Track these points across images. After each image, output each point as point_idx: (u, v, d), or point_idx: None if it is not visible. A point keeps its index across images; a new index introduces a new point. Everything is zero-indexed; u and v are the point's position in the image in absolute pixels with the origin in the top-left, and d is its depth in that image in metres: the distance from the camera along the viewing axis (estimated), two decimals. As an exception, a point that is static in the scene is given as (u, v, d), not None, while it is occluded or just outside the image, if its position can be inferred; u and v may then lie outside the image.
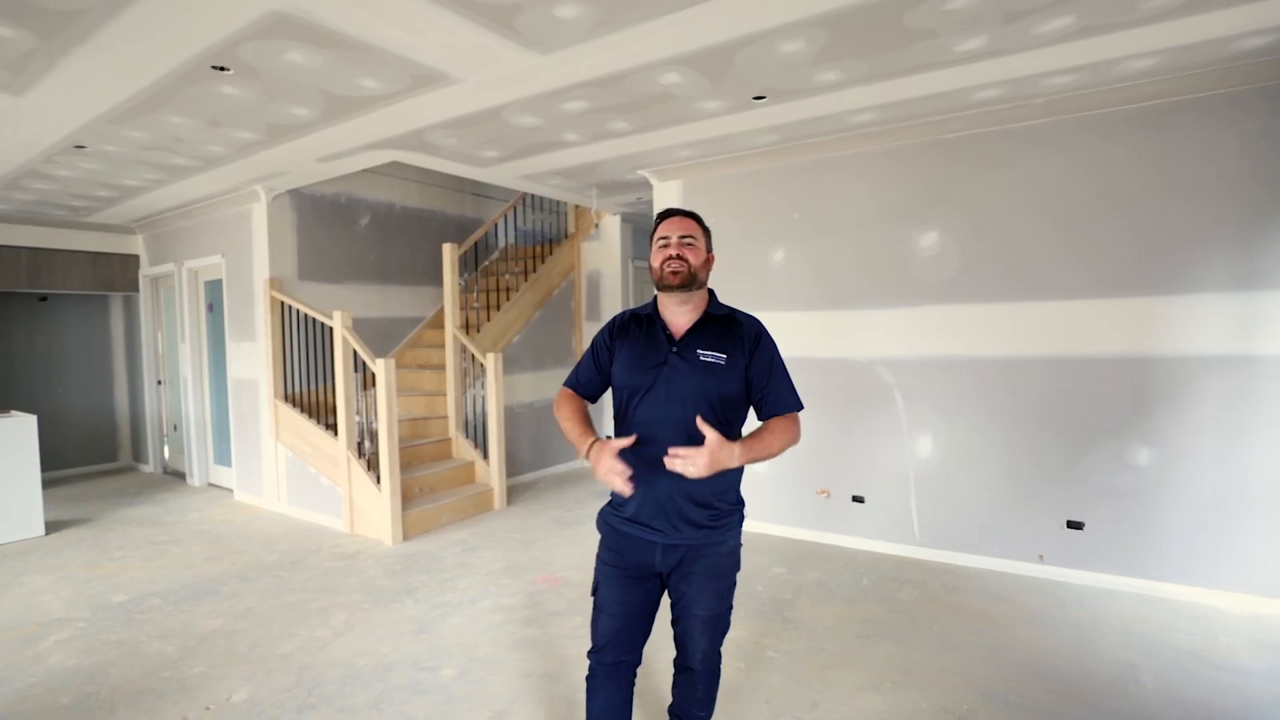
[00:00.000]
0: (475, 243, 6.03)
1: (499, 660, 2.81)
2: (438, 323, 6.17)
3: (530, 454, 6.17)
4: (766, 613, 3.24)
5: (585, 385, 1.85)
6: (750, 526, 4.61)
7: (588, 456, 1.65)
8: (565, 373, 6.47)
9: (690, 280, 1.68)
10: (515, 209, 6.42)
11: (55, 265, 5.95)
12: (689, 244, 1.70)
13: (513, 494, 5.57)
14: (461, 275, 6.33)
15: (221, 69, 2.84)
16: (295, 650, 2.93)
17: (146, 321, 6.48)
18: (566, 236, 6.76)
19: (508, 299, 6.01)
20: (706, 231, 1.77)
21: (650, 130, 3.84)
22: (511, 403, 5.94)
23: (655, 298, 1.80)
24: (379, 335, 5.83)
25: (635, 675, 1.82)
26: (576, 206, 6.75)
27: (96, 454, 6.73)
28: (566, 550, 4.17)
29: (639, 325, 1.79)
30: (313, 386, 5.18)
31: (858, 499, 4.16)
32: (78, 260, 6.09)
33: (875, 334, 4.05)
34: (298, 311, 5.01)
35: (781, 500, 4.45)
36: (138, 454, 6.89)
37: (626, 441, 1.64)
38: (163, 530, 4.74)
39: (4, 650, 2.96)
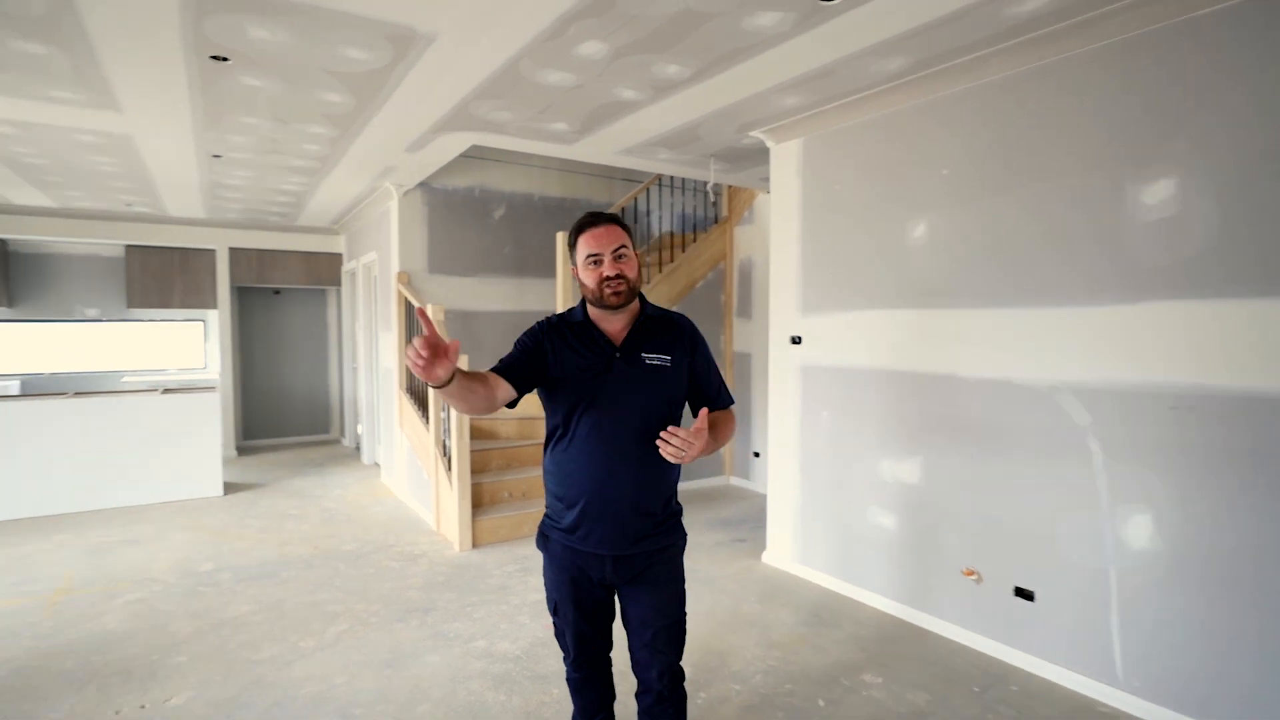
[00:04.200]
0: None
1: (418, 731, 2.31)
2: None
3: (659, 465, 5.55)
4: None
5: (513, 372, 1.63)
6: (834, 584, 3.44)
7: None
8: None
9: (631, 296, 1.63)
10: (649, 191, 5.83)
11: (278, 263, 6.99)
12: (622, 256, 1.61)
13: (623, 508, 5.02)
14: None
15: (222, 59, 2.77)
16: (267, 659, 2.77)
17: (346, 312, 7.31)
18: (716, 220, 5.97)
19: (637, 292, 5.45)
20: (629, 231, 1.67)
21: (715, 73, 2.96)
22: (639, 407, 5.39)
23: (583, 303, 1.71)
24: (512, 329, 5.70)
25: (612, 662, 1.86)
26: (730, 186, 5.92)
27: (311, 427, 7.84)
28: (619, 591, 3.50)
29: (570, 331, 1.69)
30: (435, 378, 5.23)
31: (1023, 593, 2.78)
32: (294, 259, 7.08)
33: (1059, 345, 2.64)
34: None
35: (895, 563, 3.21)
36: (342, 430, 7.87)
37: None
38: (300, 504, 5.18)
39: (82, 603, 3.31)
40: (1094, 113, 2.49)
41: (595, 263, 1.60)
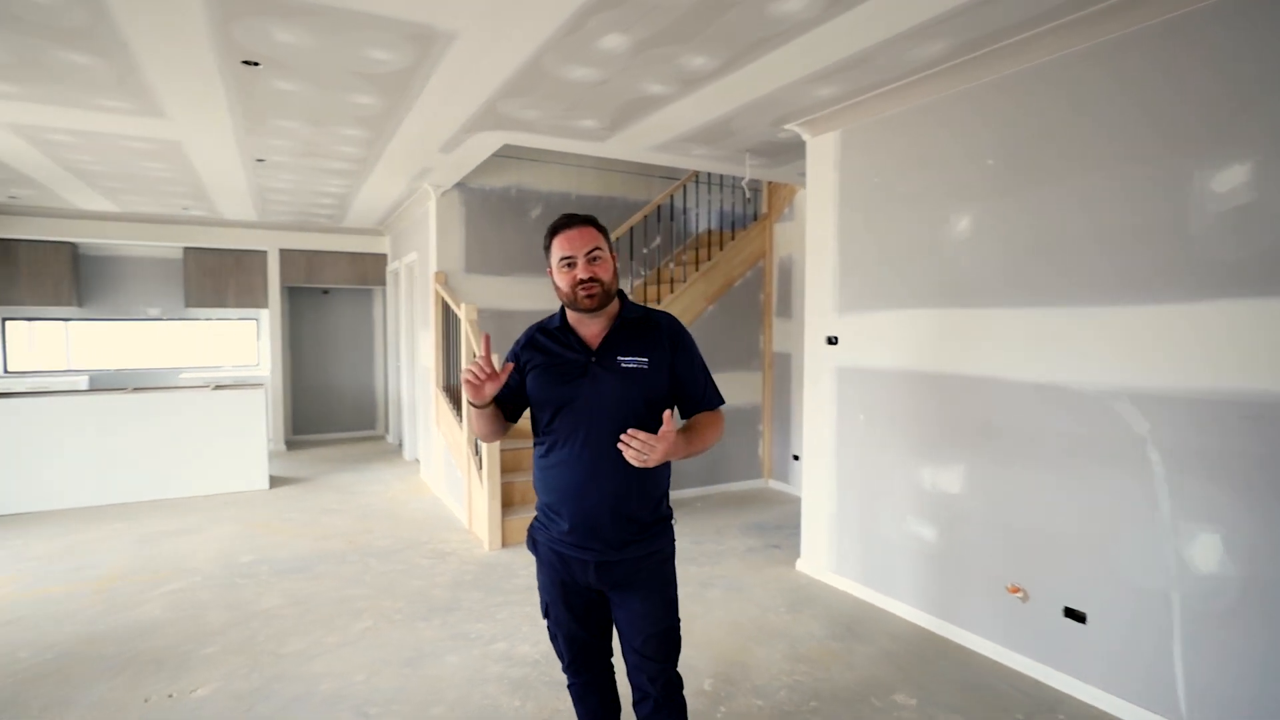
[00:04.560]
0: (635, 229, 5.53)
1: (430, 734, 2.29)
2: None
3: (693, 466, 5.46)
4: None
5: (503, 405, 1.72)
6: (869, 596, 3.27)
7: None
8: (746, 376, 5.64)
9: (606, 299, 1.60)
10: (687, 188, 5.73)
11: (326, 264, 7.19)
12: (596, 259, 1.59)
13: (656, 511, 4.94)
14: (643, 266, 5.92)
15: (253, 64, 2.82)
16: (292, 653, 2.81)
17: (391, 311, 7.46)
18: (755, 217, 5.82)
19: (671, 291, 5.37)
20: (605, 232, 1.65)
21: (743, 64, 2.86)
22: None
23: (562, 309, 1.70)
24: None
25: (613, 669, 1.84)
26: (770, 182, 5.77)
27: (359, 422, 8.04)
28: (645, 596, 3.42)
29: (549, 339, 1.69)
30: (471, 377, 5.27)
31: (1074, 614, 2.57)
32: (342, 259, 7.27)
33: (1113, 346, 2.43)
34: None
35: (934, 576, 3.03)
36: (387, 426, 8.03)
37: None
38: (341, 499, 5.29)
39: (128, 590, 3.44)
40: (1155, 93, 2.28)
41: (569, 265, 1.59)
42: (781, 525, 4.65)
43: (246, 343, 7.47)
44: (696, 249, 5.94)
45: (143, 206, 5.90)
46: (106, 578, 3.62)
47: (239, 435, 5.38)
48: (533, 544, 1.74)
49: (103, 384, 6.58)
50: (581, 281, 1.57)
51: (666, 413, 1.50)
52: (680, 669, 1.77)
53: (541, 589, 1.75)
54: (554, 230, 1.63)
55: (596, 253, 1.59)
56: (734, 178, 5.82)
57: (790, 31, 2.54)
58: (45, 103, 3.24)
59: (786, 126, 3.75)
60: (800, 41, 2.63)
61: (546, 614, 1.75)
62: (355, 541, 4.26)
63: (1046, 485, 2.64)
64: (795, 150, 4.19)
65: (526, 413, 1.78)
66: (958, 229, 2.95)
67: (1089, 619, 2.52)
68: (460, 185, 5.32)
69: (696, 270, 5.49)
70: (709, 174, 5.87)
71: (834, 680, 2.64)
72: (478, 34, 2.59)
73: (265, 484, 5.49)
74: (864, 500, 3.45)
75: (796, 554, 3.95)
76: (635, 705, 1.76)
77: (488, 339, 1.60)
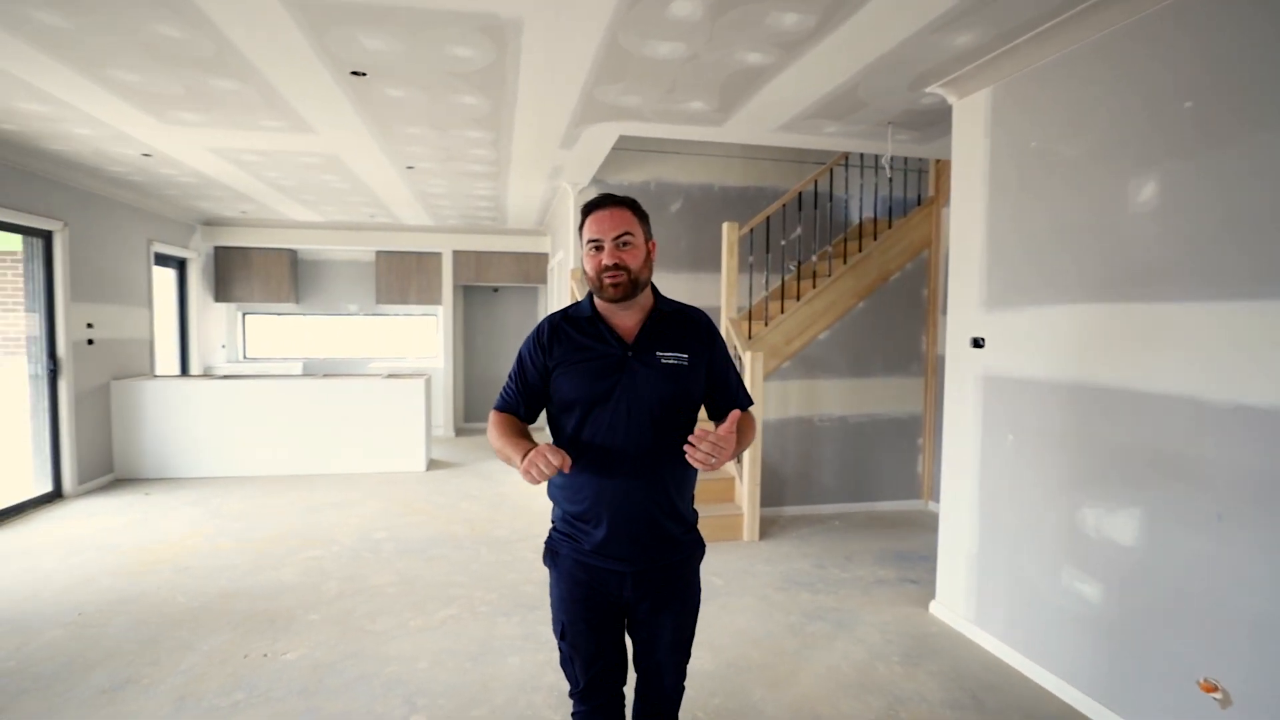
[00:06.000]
0: (768, 219, 5.10)
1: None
2: (759, 314, 5.48)
3: (836, 481, 4.93)
4: None
5: (519, 405, 1.59)
6: (1010, 656, 2.59)
7: (522, 463, 1.39)
8: (902, 382, 5.01)
9: (632, 289, 1.48)
10: (834, 173, 5.16)
11: (493, 263, 7.69)
12: (626, 244, 1.47)
13: (786, 527, 4.53)
14: (794, 260, 5.50)
15: (360, 74, 3.01)
16: (376, 632, 2.96)
17: (552, 307, 7.77)
18: (920, 202, 5.10)
19: (813, 285, 4.89)
20: (643, 217, 1.53)
21: (844, 16, 2.44)
22: (813, 414, 4.86)
23: (590, 296, 1.58)
24: (687, 326, 5.53)
25: (624, 702, 1.68)
26: (937, 161, 5.02)
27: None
28: (745, 620, 3.10)
29: (576, 328, 1.55)
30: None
31: (1301, 732, 1.82)
32: (508, 259, 7.73)
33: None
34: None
35: (1096, 647, 2.33)
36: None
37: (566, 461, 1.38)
38: (482, 486, 5.57)
39: (276, 554, 3.89)
40: None
41: (596, 248, 1.48)
42: (928, 556, 4.00)
43: (428, 336, 8.28)
44: (859, 239, 5.35)
45: (338, 215, 6.77)
46: (265, 539, 4.15)
47: (403, 420, 5.93)
48: (551, 558, 1.61)
49: (313, 370, 7.70)
50: (606, 268, 1.46)
51: (735, 412, 1.41)
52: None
53: (557, 607, 1.61)
54: (587, 210, 1.52)
55: (627, 238, 1.47)
56: (895, 159, 5.16)
57: (886, -36, 2.10)
58: (224, 126, 3.77)
59: (929, 90, 3.18)
60: (906, -24, 2.17)
61: (562, 635, 1.61)
62: (477, 529, 4.44)
63: (1264, 545, 1.89)
64: (935, 116, 3.56)
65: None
66: (1137, 200, 2.24)
67: (1326, 748, 1.75)
68: (597, 182, 5.33)
69: (844, 264, 4.94)
70: (862, 155, 5.26)
71: (930, 762, 2.14)
72: (542, 17, 2.49)
73: (423, 467, 5.99)
74: (1011, 539, 2.80)
75: (933, 594, 3.34)
76: (638, 713, 1.71)
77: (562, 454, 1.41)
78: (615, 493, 1.49)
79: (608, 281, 1.46)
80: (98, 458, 5.36)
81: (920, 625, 3.11)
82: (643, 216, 1.53)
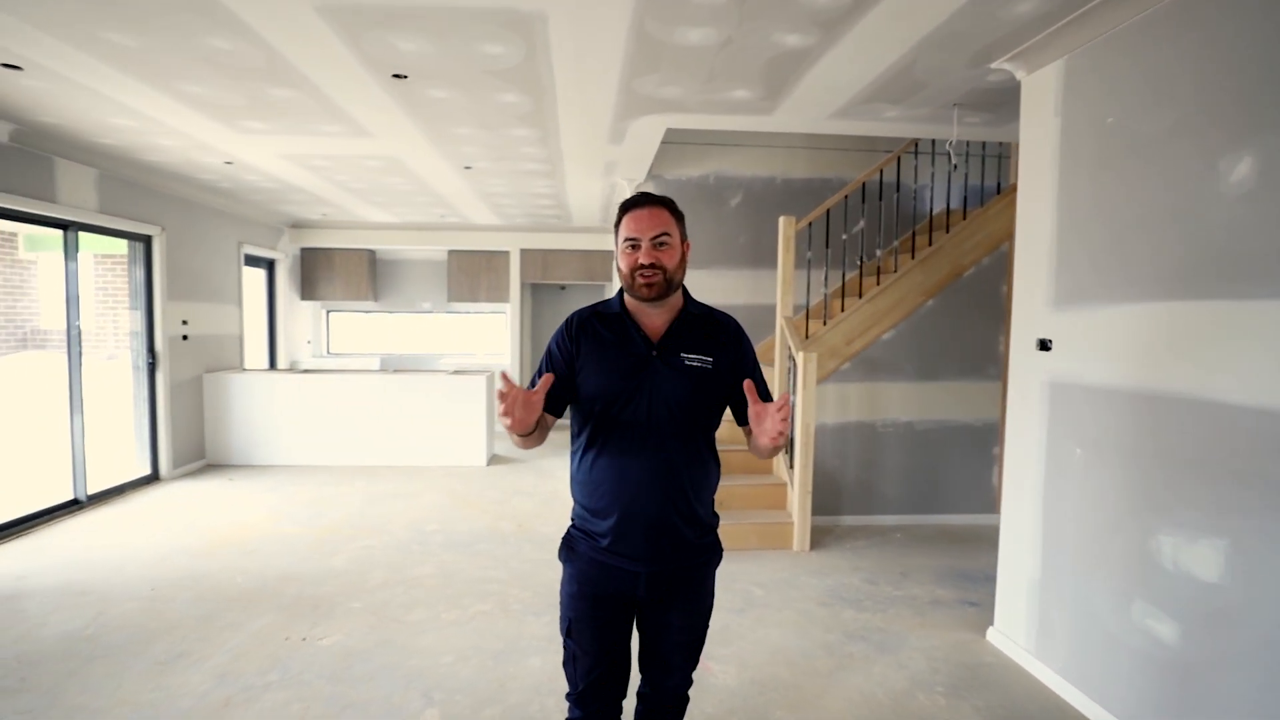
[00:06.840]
0: (828, 211, 4.84)
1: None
2: (818, 312, 5.24)
3: (899, 490, 4.64)
4: None
5: (545, 404, 1.56)
6: (1072, 695, 2.30)
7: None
8: (975, 386, 4.69)
9: (666, 289, 1.48)
10: (901, 161, 4.83)
11: (559, 261, 7.77)
12: (663, 244, 1.47)
13: (841, 537, 4.30)
14: (858, 255, 5.23)
15: (401, 76, 3.07)
16: (411, 623, 3.02)
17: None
18: (999, 191, 4.70)
19: (878, 283, 4.61)
20: (680, 217, 1.53)
21: (880, -16, 2.24)
22: (875, 419, 4.60)
23: (620, 293, 1.59)
24: (747, 325, 5.33)
25: (622, 709, 1.66)
26: (1009, 145, 4.62)
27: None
28: (780, 635, 2.95)
29: (604, 325, 1.57)
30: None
31: None
32: (574, 257, 7.79)
33: None
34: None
35: (1171, 693, 2.04)
36: (610, 415, 8.41)
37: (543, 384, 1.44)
38: (537, 482, 5.63)
39: (335, 541, 4.07)
40: None
41: (633, 247, 1.48)
42: (994, 577, 3.67)
43: (497, 333, 8.48)
44: (929, 232, 5.01)
45: (411, 216, 7.03)
46: (327, 527, 4.35)
47: (467, 415, 6.09)
48: (567, 553, 1.60)
49: (390, 365, 8.06)
50: (642, 267, 1.46)
51: (785, 393, 1.40)
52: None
53: (567, 604, 1.60)
54: (625, 208, 1.52)
55: (664, 238, 1.47)
56: (972, 145, 4.79)
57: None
58: (289, 133, 3.97)
59: (994, 65, 2.90)
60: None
61: (568, 633, 1.60)
62: (524, 526, 4.48)
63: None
64: (1005, 95, 3.25)
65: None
66: (1228, 181, 1.94)
67: None
68: (654, 177, 5.25)
69: (913, 259, 4.63)
70: (933, 142, 4.91)
71: (961, 808, 1.93)
72: (563, 8, 2.45)
73: (483, 461, 6.13)
74: (1078, 564, 2.51)
75: (992, 619, 3.06)
76: (641, 710, 1.73)
77: (505, 377, 1.40)
78: (633, 491, 1.49)
79: (641, 281, 1.47)
80: (191, 444, 5.82)
81: (974, 653, 2.85)
82: (679, 217, 1.53)
